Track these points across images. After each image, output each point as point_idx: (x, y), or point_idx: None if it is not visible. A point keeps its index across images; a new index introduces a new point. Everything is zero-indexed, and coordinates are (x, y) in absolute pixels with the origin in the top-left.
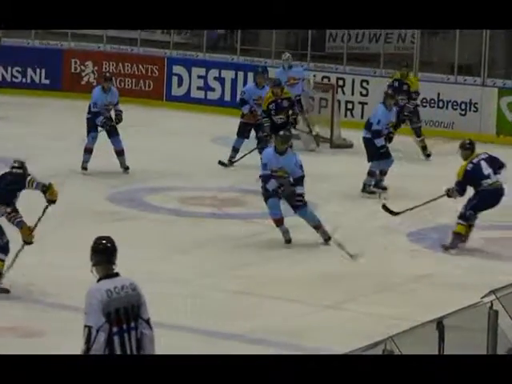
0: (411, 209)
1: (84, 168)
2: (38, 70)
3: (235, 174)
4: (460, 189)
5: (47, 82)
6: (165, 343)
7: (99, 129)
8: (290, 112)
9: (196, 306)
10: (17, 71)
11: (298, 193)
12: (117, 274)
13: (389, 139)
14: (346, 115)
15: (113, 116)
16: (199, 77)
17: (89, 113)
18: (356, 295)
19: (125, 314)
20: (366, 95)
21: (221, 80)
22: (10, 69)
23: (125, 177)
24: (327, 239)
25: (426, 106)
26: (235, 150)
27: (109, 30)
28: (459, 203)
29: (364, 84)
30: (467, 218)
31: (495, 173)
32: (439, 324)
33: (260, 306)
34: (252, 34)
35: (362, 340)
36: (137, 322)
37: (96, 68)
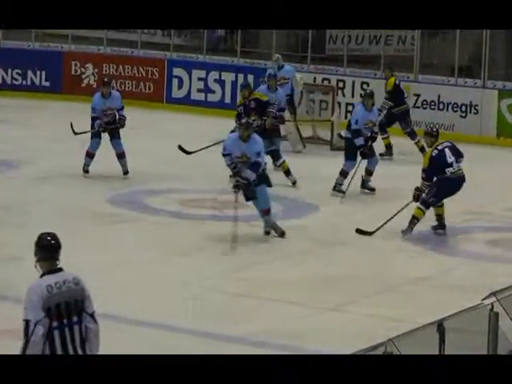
0: (384, 224)
1: (86, 171)
2: (38, 73)
3: None
4: (426, 176)
5: (47, 84)
6: (165, 344)
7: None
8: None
9: (196, 308)
10: (17, 73)
11: (244, 176)
12: (60, 269)
13: (372, 139)
14: (346, 117)
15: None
16: (199, 79)
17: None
18: (356, 297)
19: (66, 308)
20: None
21: (221, 82)
22: (10, 71)
23: (125, 179)
24: (268, 232)
25: (426, 108)
26: None
27: (109, 33)
28: (460, 206)
29: (364, 86)
30: (429, 204)
31: (457, 161)
32: (440, 326)
33: (260, 309)
34: (252, 36)
35: (363, 342)
36: (81, 317)
37: (96, 70)
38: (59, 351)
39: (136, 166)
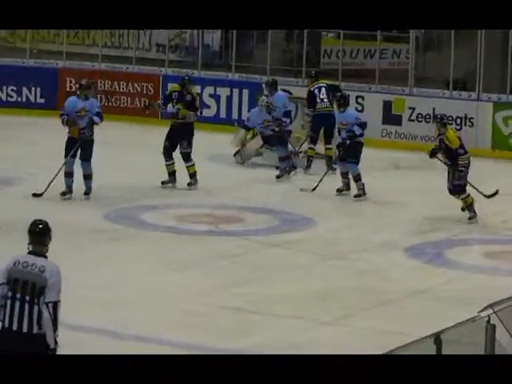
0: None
1: (63, 194)
2: (33, 89)
3: (232, 191)
4: (464, 151)
5: (42, 101)
6: None
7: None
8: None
9: (195, 323)
10: (12, 90)
11: None
12: (39, 254)
13: (350, 140)
14: None
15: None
16: None
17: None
18: (354, 310)
19: (22, 285)
20: (362, 111)
21: (216, 97)
22: (5, 88)
23: (121, 195)
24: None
25: (421, 121)
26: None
27: (104, 49)
28: (457, 219)
29: (359, 100)
30: (464, 187)
31: None
32: (437, 338)
33: (258, 323)
34: (247, 51)
35: None
36: (35, 299)
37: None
38: (6, 319)
39: (132, 181)
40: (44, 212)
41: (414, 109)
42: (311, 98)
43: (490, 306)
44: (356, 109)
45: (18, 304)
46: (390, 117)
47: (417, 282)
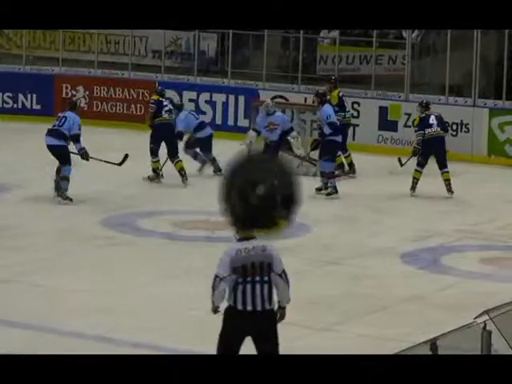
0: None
1: (66, 198)
2: (29, 96)
3: None
4: (418, 129)
5: (38, 107)
6: None
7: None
8: None
9: (193, 330)
10: (8, 97)
11: None
12: (253, 238)
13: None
14: None
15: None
16: (190, 100)
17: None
18: (350, 317)
19: (251, 268)
20: (358, 117)
21: (212, 103)
22: (1, 95)
23: (117, 202)
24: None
25: None
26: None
27: (100, 55)
28: (453, 225)
29: (355, 105)
30: (422, 164)
31: (438, 126)
32: (433, 345)
33: None
34: (243, 57)
35: None
36: (268, 276)
37: (87, 93)
38: (239, 302)
39: (128, 187)
40: (40, 218)
41: (409, 115)
42: (343, 106)
43: (486, 312)
44: (352, 115)
45: (249, 286)
46: (386, 123)
47: (412, 288)
